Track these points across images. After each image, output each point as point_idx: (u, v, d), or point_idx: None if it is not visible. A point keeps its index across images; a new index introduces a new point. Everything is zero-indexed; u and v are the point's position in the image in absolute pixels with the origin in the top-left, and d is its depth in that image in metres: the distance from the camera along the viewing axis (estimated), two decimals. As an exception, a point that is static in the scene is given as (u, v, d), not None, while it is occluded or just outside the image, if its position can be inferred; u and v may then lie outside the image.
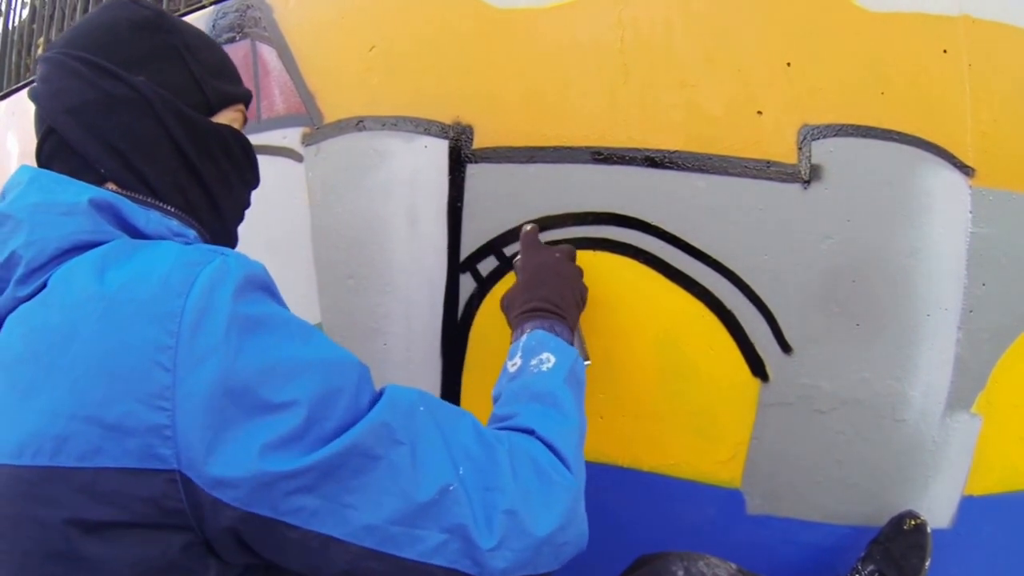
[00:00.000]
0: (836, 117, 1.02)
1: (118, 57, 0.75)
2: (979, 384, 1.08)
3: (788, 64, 1.03)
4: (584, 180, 1.11)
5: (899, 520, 1.08)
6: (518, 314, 0.96)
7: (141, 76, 0.76)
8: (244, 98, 0.88)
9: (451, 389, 1.26)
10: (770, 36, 1.03)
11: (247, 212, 0.91)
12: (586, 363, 0.96)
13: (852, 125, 1.02)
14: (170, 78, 0.78)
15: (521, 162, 1.14)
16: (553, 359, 0.87)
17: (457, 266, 1.20)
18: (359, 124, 1.24)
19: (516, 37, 1.13)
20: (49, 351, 0.60)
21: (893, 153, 1.02)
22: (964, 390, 1.07)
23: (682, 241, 1.08)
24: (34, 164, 0.76)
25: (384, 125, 1.22)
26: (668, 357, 1.12)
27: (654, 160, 1.08)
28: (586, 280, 1.06)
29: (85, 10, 2.18)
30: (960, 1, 1.00)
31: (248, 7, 1.38)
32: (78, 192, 0.69)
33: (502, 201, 1.16)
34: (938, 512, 1.11)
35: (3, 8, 2.79)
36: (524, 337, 0.91)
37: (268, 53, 1.34)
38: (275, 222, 1.33)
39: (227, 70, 0.87)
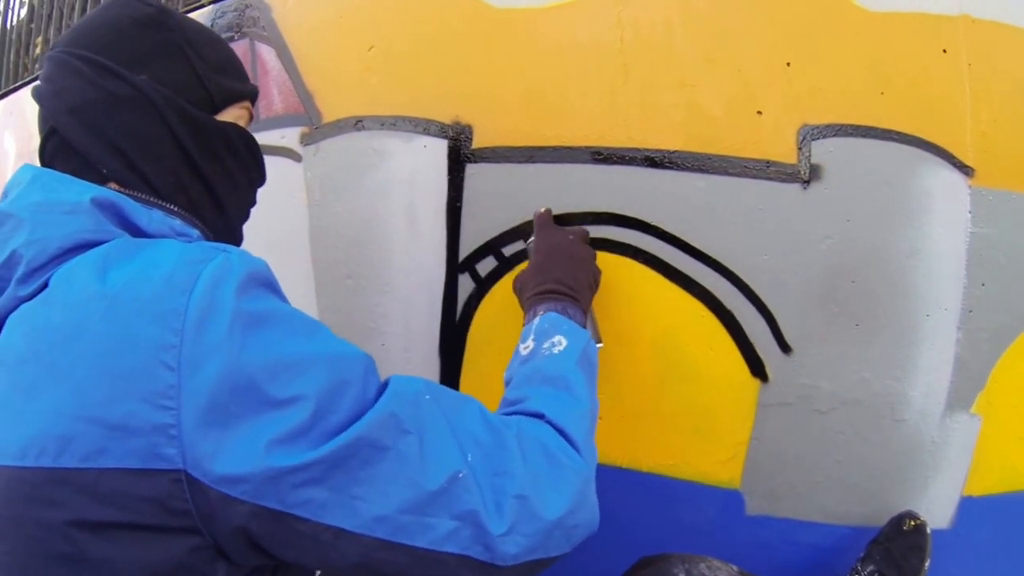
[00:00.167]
0: (836, 117, 1.02)
1: (120, 56, 0.75)
2: (979, 384, 1.08)
3: (788, 64, 1.03)
4: (584, 180, 1.10)
5: (899, 520, 1.08)
6: (531, 296, 0.96)
7: (143, 74, 0.75)
8: (250, 95, 0.87)
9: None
10: (770, 36, 1.03)
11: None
12: (599, 346, 0.96)
13: (852, 125, 1.02)
14: (173, 76, 0.78)
15: (520, 162, 1.13)
16: (565, 342, 0.86)
17: (456, 266, 1.20)
18: (358, 124, 1.23)
19: (515, 37, 1.13)
20: (51, 351, 0.59)
21: (893, 153, 1.02)
22: (964, 390, 1.07)
23: (682, 241, 1.08)
24: (33, 164, 0.75)
25: (383, 125, 1.21)
26: (668, 357, 1.11)
27: (654, 160, 1.07)
28: (586, 279, 1.05)
29: (84, 9, 2.17)
30: (960, 1, 1.00)
31: (246, 6, 1.37)
32: (81, 191, 0.68)
33: (501, 201, 1.15)
34: (938, 512, 1.11)
35: (1, 7, 2.78)
36: (537, 319, 0.90)
37: (267, 53, 1.34)
38: (273, 222, 1.32)
39: (232, 67, 0.86)
